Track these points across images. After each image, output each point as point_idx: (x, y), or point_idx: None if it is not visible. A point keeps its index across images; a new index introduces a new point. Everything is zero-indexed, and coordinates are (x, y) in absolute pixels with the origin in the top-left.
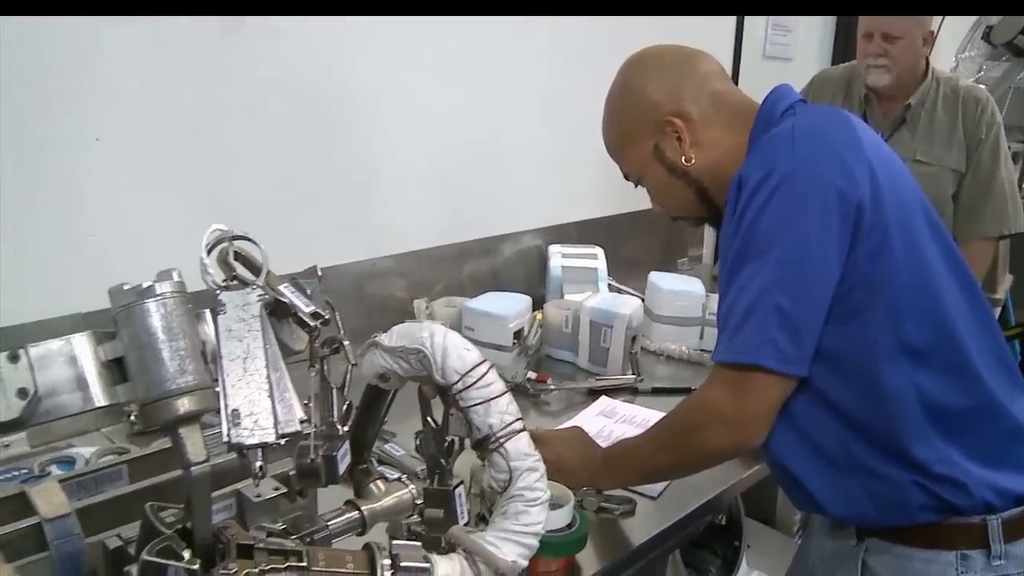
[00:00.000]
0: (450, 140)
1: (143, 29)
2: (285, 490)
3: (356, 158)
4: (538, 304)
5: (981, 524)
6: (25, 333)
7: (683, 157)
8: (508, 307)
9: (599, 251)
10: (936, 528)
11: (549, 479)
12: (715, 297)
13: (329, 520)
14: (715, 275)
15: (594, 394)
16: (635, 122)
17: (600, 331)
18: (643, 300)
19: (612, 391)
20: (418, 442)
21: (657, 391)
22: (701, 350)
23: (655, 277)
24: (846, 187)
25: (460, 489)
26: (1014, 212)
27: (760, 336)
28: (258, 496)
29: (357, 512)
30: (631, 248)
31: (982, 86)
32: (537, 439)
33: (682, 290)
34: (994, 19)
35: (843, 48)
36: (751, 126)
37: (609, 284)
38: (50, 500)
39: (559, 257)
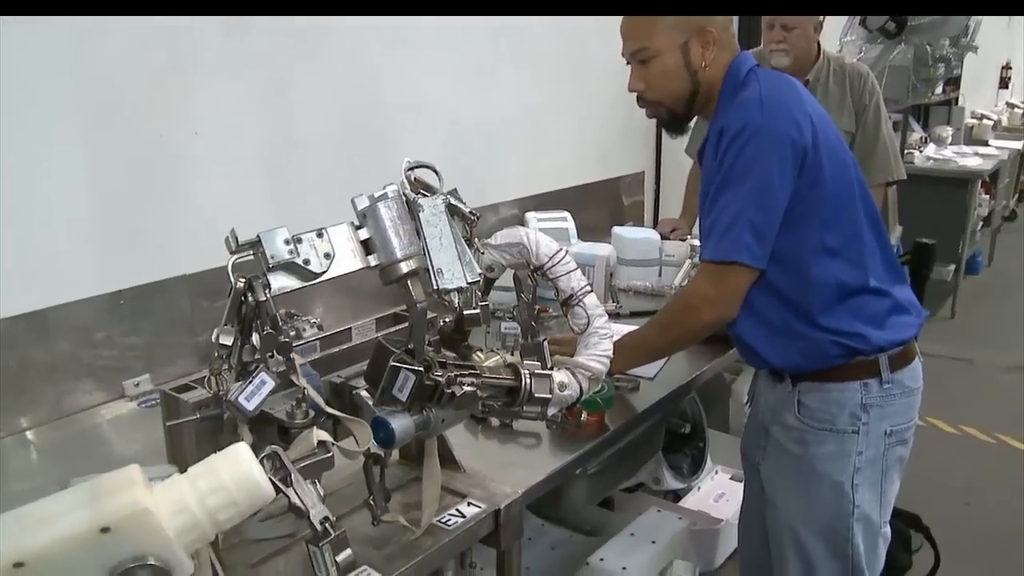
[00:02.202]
0: (447, 134)
1: (230, 45)
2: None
3: (376, 149)
4: None
5: (875, 360)
6: (145, 292)
7: (702, 62)
8: None
9: (567, 214)
10: (846, 367)
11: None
12: (668, 243)
13: None
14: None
15: None
16: (681, 19)
17: (584, 270)
18: None
19: None
20: (514, 313)
21: (634, 314)
22: (663, 285)
23: (619, 230)
24: (797, 138)
25: (546, 342)
26: (896, 163)
27: (739, 241)
28: None
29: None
30: (583, 217)
31: (862, 64)
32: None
33: (643, 237)
34: None
35: (745, 38)
36: (725, 74)
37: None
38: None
39: (535, 221)
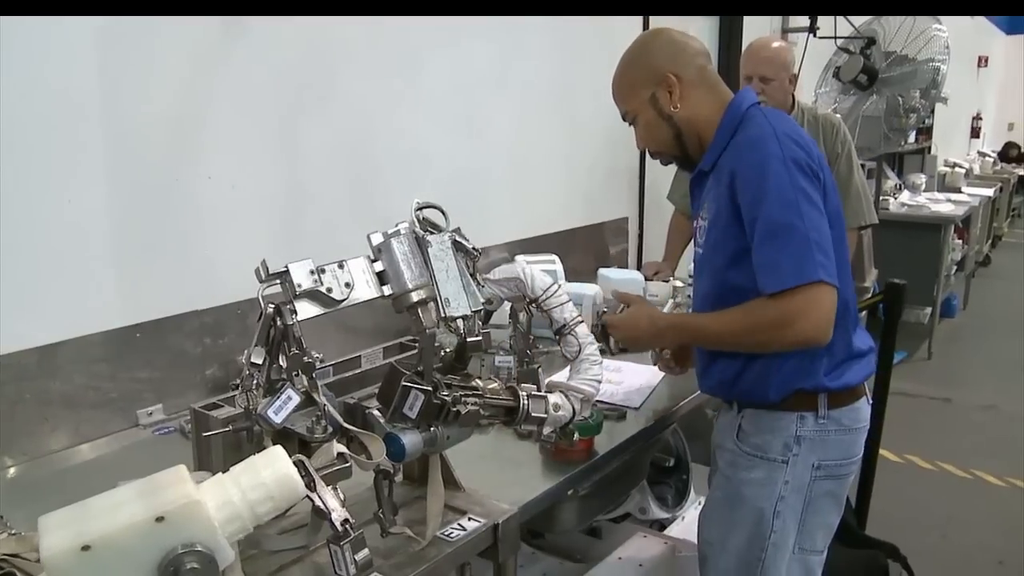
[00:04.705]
0: (442, 182)
1: (239, 97)
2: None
3: (375, 193)
4: None
5: (814, 396)
6: (159, 327)
7: (672, 106)
8: None
9: (555, 257)
10: (786, 401)
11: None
12: (652, 283)
13: None
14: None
15: None
16: (642, 75)
17: None
18: None
19: None
20: (511, 343)
21: (622, 350)
22: None
23: (604, 271)
24: (813, 165)
25: (540, 369)
26: (868, 208)
27: (813, 261)
28: None
29: None
30: (570, 260)
31: (837, 114)
32: (611, 324)
33: (628, 278)
34: (841, 60)
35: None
36: (724, 108)
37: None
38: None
39: (524, 263)
